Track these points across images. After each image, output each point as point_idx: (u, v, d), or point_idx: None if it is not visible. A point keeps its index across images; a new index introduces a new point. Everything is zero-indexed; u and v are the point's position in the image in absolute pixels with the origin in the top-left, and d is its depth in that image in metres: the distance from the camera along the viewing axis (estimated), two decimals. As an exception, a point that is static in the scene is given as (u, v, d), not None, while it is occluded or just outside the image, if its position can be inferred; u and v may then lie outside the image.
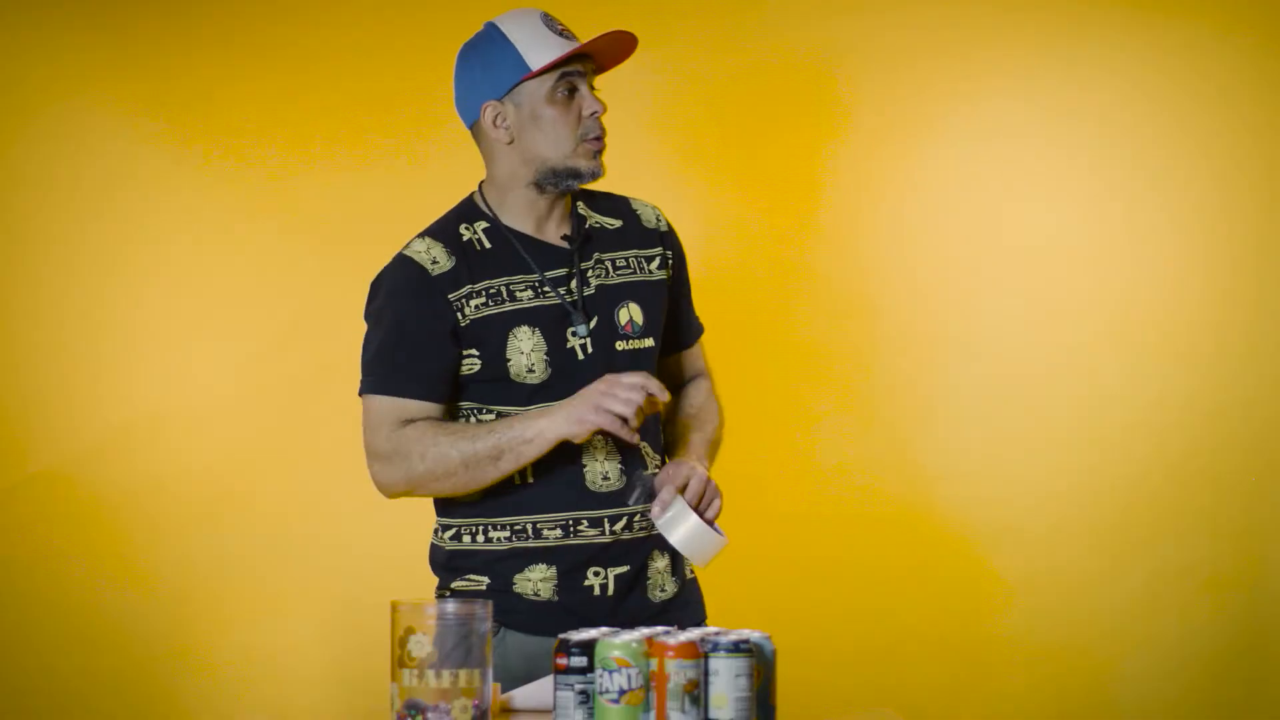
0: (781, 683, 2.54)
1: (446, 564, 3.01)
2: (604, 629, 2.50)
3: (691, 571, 3.08)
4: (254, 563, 4.21)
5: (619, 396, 2.80)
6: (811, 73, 4.29)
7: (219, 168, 4.25)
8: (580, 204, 3.05)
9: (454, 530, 2.99)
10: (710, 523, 2.87)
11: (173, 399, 4.23)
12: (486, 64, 2.94)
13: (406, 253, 2.98)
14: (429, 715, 2.35)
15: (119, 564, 4.18)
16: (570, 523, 2.93)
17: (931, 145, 4.30)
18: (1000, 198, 4.30)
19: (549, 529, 2.93)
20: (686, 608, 3.03)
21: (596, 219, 3.05)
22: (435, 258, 2.96)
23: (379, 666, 2.75)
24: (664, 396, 2.82)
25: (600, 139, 2.95)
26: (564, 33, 2.93)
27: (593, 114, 2.94)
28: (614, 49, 2.96)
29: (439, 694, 2.35)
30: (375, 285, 3.03)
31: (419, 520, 4.18)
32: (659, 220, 3.10)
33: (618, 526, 2.94)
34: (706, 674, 2.40)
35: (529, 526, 2.93)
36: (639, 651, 2.39)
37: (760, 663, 2.46)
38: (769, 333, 4.26)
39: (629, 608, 2.94)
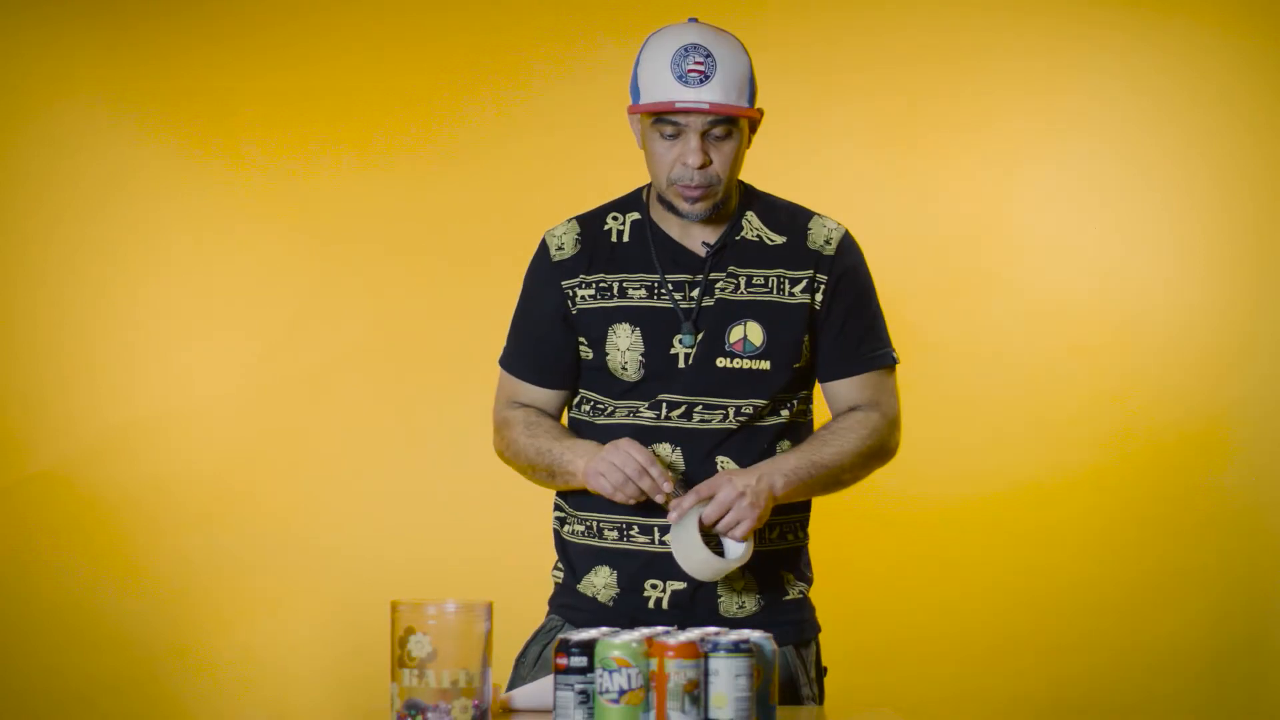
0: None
1: (557, 544, 3.04)
2: (604, 629, 2.50)
3: (803, 592, 2.99)
4: (254, 563, 4.21)
5: (615, 469, 2.80)
6: (809, 75, 4.29)
7: (219, 168, 4.25)
8: (751, 211, 2.98)
9: (561, 515, 3.02)
10: (726, 541, 2.82)
11: (173, 399, 4.22)
12: (634, 70, 2.92)
13: (547, 234, 3.01)
14: (429, 715, 2.35)
15: (119, 564, 4.18)
16: (624, 526, 2.92)
17: (931, 147, 4.30)
18: (999, 198, 4.30)
19: (609, 529, 2.93)
20: (772, 628, 2.73)
21: (757, 231, 2.98)
22: (563, 243, 2.98)
23: (379, 666, 2.75)
24: (665, 487, 2.78)
25: (694, 188, 2.87)
26: (687, 74, 2.84)
27: (685, 166, 2.86)
28: (727, 106, 2.85)
29: (439, 694, 2.35)
30: None
31: (418, 521, 4.20)
32: (829, 243, 2.98)
33: (668, 537, 2.91)
34: (706, 674, 2.40)
35: (595, 524, 2.94)
36: (639, 651, 2.38)
37: (760, 663, 2.46)
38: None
39: (690, 621, 2.87)
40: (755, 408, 2.91)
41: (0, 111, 4.23)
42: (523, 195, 4.24)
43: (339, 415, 4.25)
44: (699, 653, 2.39)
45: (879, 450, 2.98)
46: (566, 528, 3.00)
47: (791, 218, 3.00)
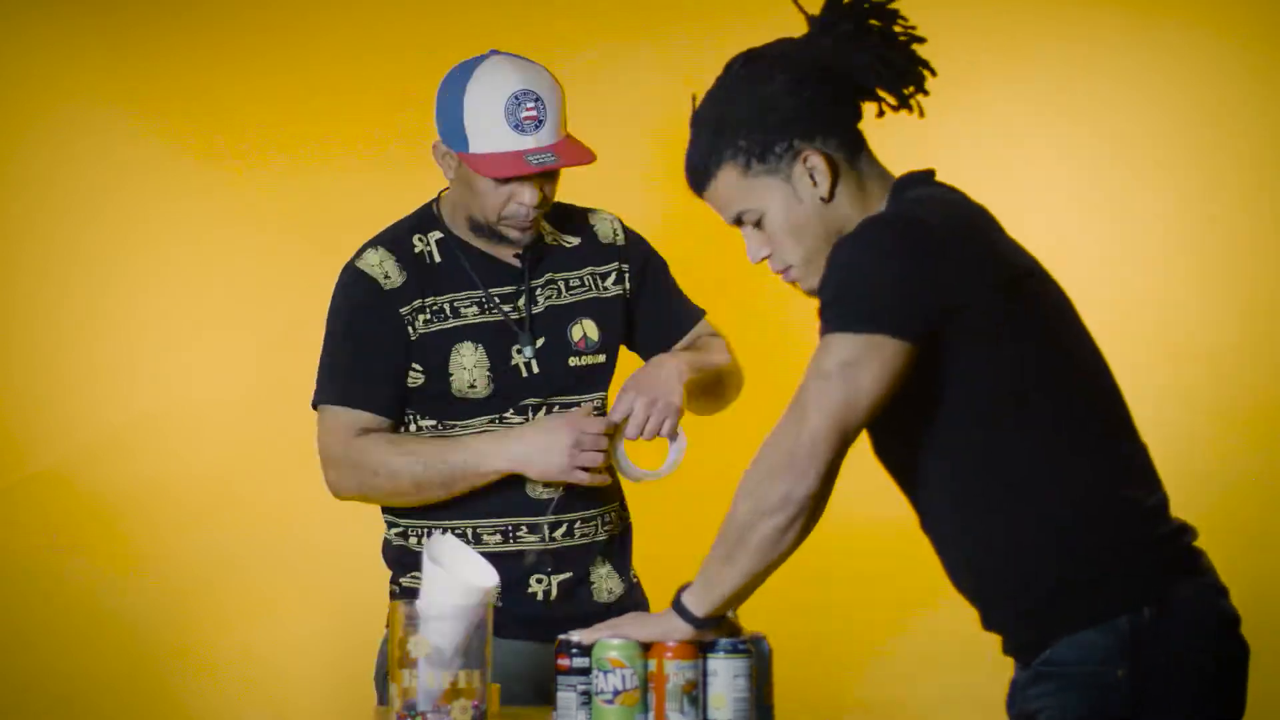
0: (781, 683, 2.54)
1: (397, 559, 3.04)
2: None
3: (635, 576, 3.09)
4: (254, 563, 4.21)
5: (588, 450, 2.84)
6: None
7: (219, 169, 4.25)
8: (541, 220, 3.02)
9: (401, 529, 3.01)
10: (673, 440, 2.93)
11: (172, 399, 4.23)
12: (445, 107, 2.93)
13: (359, 265, 2.98)
14: (429, 715, 2.35)
15: (119, 564, 4.18)
16: (510, 528, 2.95)
17: (929, 147, 4.29)
18: (996, 198, 4.28)
19: (489, 534, 2.94)
20: (634, 609, 2.97)
21: (552, 235, 3.04)
22: (387, 272, 2.96)
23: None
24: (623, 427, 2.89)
25: (525, 223, 2.91)
26: (523, 123, 2.86)
27: (521, 205, 2.90)
28: (573, 153, 2.90)
29: (439, 694, 2.35)
30: (333, 297, 3.01)
31: (419, 520, 4.18)
32: (616, 234, 3.09)
33: (558, 534, 2.95)
34: (705, 674, 2.40)
35: (469, 530, 2.94)
36: (634, 652, 2.39)
37: (757, 663, 2.46)
38: (769, 333, 4.26)
39: (573, 610, 2.93)
40: (601, 400, 3.01)
41: (0, 112, 4.23)
42: (522, 195, 4.24)
43: (339, 415, 4.25)
44: (697, 653, 2.39)
45: (739, 367, 3.10)
46: (415, 540, 2.98)
47: (572, 218, 3.07)
